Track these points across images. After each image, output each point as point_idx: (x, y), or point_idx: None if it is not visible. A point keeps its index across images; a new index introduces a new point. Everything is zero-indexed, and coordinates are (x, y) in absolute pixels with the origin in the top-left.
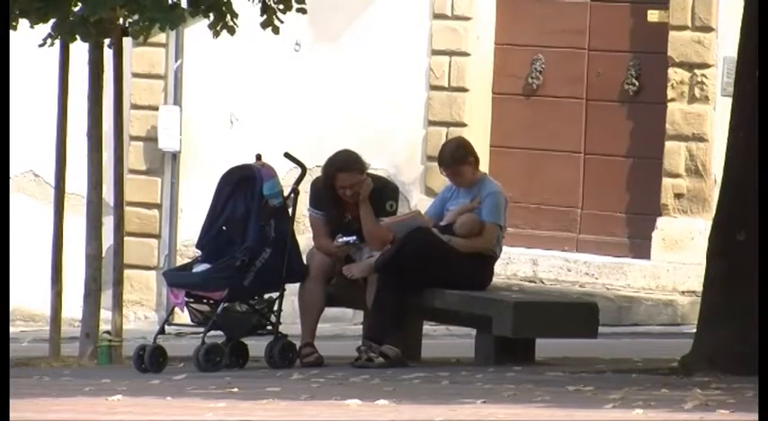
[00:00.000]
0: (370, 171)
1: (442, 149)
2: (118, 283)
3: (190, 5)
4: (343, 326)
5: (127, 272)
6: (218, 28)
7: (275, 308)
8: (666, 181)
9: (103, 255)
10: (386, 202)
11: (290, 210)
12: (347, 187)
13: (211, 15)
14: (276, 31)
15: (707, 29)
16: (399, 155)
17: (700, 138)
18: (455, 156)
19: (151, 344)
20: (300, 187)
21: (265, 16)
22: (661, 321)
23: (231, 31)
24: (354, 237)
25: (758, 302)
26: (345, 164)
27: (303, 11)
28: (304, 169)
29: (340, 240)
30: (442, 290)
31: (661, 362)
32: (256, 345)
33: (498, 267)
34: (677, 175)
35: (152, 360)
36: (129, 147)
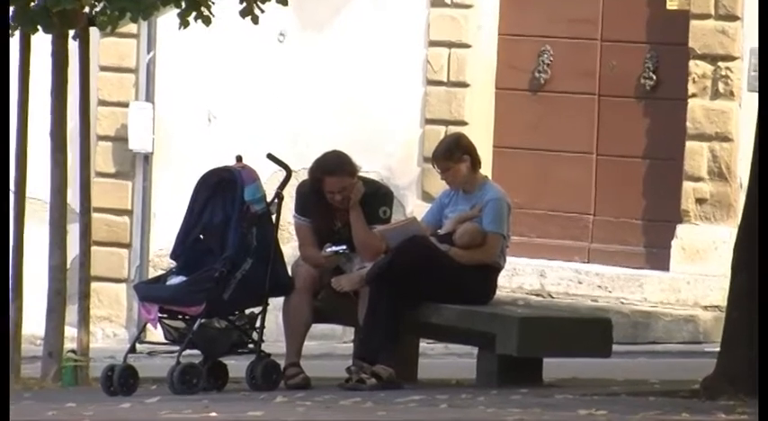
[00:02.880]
0: (361, 174)
1: (437, 145)
2: (84, 297)
3: None
4: (331, 344)
5: (94, 284)
6: (189, 17)
7: (257, 324)
8: (687, 185)
9: (68, 267)
10: (378, 208)
11: (273, 217)
12: (336, 192)
13: (183, 3)
14: (255, 20)
15: (732, 17)
16: (393, 156)
17: (724, 138)
18: (448, 152)
19: (121, 363)
20: (285, 192)
21: (245, 4)
22: (681, 339)
23: (207, 21)
24: (344, 247)
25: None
26: (334, 166)
27: (284, 2)
28: (289, 172)
29: (328, 250)
30: (440, 304)
31: (681, 384)
32: (237, 365)
33: (502, 279)
34: (699, 179)
35: (122, 381)
36: (96, 148)
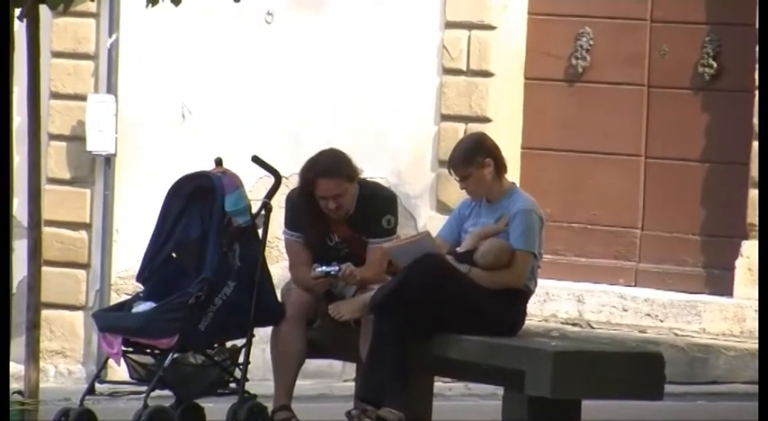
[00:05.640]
0: (363, 177)
1: (455, 146)
2: (33, 328)
3: None
4: (329, 382)
5: (45, 312)
6: None
7: (241, 359)
8: (754, 193)
9: (14, 291)
10: (381, 217)
11: (259, 232)
12: (330, 197)
13: None
14: None
15: None
16: (402, 158)
17: None
18: (468, 156)
19: (77, 407)
20: (274, 201)
21: None
22: (747, 378)
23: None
24: (336, 268)
25: None
26: (329, 167)
27: None
28: (278, 178)
29: (318, 270)
30: (458, 335)
31: None
32: (216, 409)
33: (533, 306)
34: None
35: None
36: (48, 149)
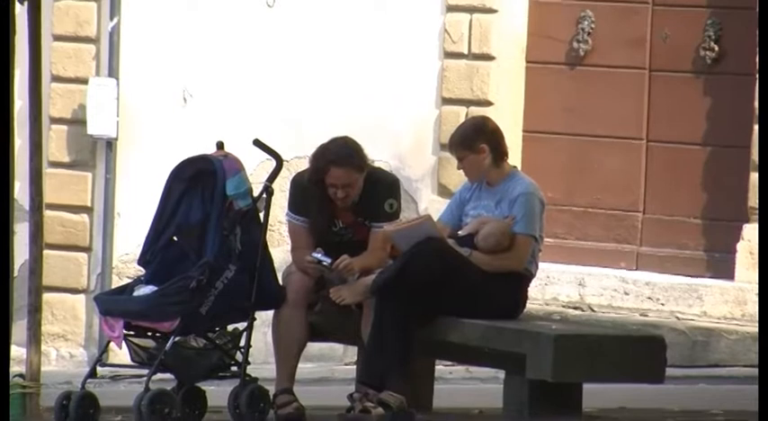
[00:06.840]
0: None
1: (456, 129)
2: (35, 311)
3: None
4: (330, 366)
5: (46, 296)
6: None
7: (242, 342)
8: (755, 176)
9: (15, 275)
10: (384, 201)
11: (261, 215)
12: (339, 186)
13: None
14: None
15: None
16: (404, 142)
17: None
18: (465, 139)
19: (79, 390)
20: (275, 185)
21: None
22: (748, 361)
23: None
24: (329, 260)
25: None
26: (341, 156)
27: None
28: (280, 161)
29: (313, 254)
30: (459, 319)
31: (748, 416)
32: (217, 392)
33: (534, 289)
34: None
35: (79, 412)
36: (49, 132)
